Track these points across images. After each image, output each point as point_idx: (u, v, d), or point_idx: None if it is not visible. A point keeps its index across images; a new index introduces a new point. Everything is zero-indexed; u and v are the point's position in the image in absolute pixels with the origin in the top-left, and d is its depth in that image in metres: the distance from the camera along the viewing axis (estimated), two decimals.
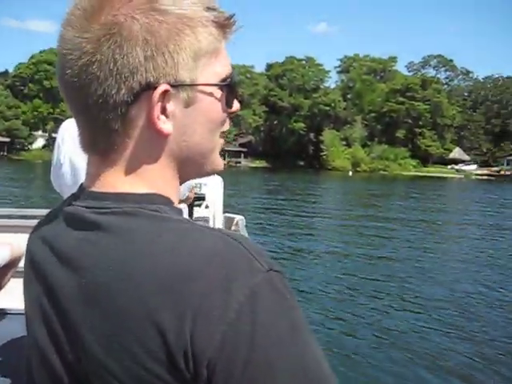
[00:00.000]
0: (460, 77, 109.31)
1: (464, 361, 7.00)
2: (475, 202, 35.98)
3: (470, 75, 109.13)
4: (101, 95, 0.72)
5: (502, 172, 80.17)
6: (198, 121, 0.77)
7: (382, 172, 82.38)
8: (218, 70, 0.78)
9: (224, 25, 0.78)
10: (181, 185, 0.84)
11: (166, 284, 0.66)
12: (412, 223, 21.70)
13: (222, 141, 0.84)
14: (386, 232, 18.65)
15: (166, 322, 0.64)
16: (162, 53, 0.72)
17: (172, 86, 0.73)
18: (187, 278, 0.65)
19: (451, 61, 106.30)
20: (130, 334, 0.66)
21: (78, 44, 0.72)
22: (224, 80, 0.79)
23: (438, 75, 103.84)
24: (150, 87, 0.72)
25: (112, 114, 0.73)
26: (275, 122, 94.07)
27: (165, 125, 0.74)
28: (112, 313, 0.68)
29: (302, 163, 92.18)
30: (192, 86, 0.75)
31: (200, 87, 0.76)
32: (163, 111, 0.74)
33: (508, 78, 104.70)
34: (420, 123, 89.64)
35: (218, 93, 0.78)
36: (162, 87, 0.72)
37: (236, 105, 0.83)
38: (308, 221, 21.31)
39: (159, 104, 0.73)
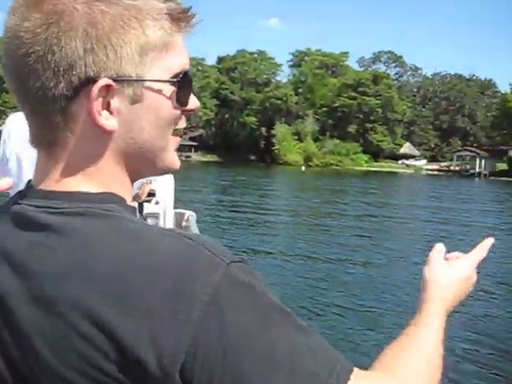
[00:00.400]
0: (409, 73, 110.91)
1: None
2: (430, 197, 36.32)
3: (419, 72, 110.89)
4: (39, 88, 0.70)
5: (452, 167, 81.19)
6: (146, 118, 0.74)
7: (334, 167, 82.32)
8: (170, 64, 0.75)
9: (179, 18, 0.75)
10: (133, 183, 0.82)
11: (123, 288, 0.63)
12: (365, 218, 21.81)
13: (176, 139, 0.81)
14: (338, 227, 18.69)
15: (123, 327, 0.62)
16: (103, 46, 0.69)
17: (115, 81, 0.70)
18: (146, 281, 0.63)
19: (401, 57, 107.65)
20: (84, 339, 0.63)
21: (17, 33, 0.69)
22: (176, 76, 0.75)
23: (388, 71, 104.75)
24: (90, 82, 0.70)
25: (52, 107, 0.71)
26: (226, 116, 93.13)
27: (108, 121, 0.72)
28: (64, 318, 0.65)
29: (253, 157, 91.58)
30: (138, 81, 0.72)
31: (147, 83, 0.73)
32: (107, 107, 0.72)
33: (455, 75, 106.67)
34: (371, 118, 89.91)
35: (168, 89, 0.75)
36: (102, 82, 0.70)
37: (194, 102, 0.81)
38: (260, 216, 21.04)
39: (100, 99, 0.70)
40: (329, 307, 9.20)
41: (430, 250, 1.04)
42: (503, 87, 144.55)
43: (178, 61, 0.76)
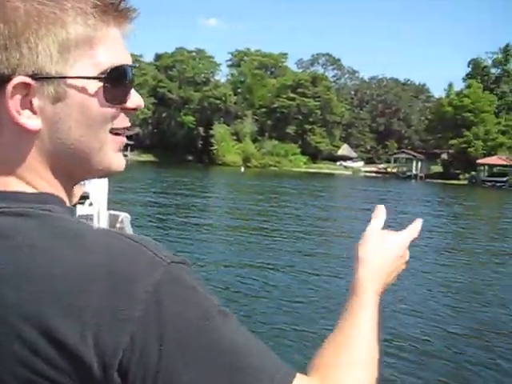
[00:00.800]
0: (347, 76, 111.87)
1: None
2: (369, 198, 36.52)
3: (356, 75, 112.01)
4: None
5: (389, 169, 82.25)
6: (73, 117, 0.71)
7: (273, 168, 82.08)
8: (99, 60, 0.71)
9: (107, 11, 0.71)
10: (75, 185, 0.79)
11: (64, 288, 0.62)
12: (304, 220, 21.99)
13: (117, 138, 0.77)
14: (277, 229, 18.69)
15: (65, 329, 0.60)
16: (17, 43, 0.66)
17: (34, 79, 0.68)
18: (86, 281, 0.62)
19: (339, 60, 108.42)
20: (25, 343, 0.61)
21: None
22: (105, 72, 0.72)
23: (326, 73, 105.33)
24: (5, 80, 0.67)
25: None
26: (164, 115, 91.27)
27: (30, 120, 0.69)
28: (4, 322, 0.62)
29: (190, 158, 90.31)
30: (58, 79, 0.69)
31: (70, 81, 0.70)
32: (30, 106, 0.69)
33: (391, 79, 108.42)
34: (310, 120, 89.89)
35: (95, 86, 0.71)
36: (17, 80, 0.67)
37: (134, 101, 0.77)
38: (198, 218, 20.81)
39: (18, 98, 0.68)
40: (262, 310, 9.17)
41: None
42: (436, 92, 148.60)
43: (107, 56, 0.72)
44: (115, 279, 0.62)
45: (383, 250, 0.99)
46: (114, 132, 0.76)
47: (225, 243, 15.62)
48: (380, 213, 1.06)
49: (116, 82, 0.72)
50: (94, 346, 0.60)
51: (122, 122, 0.77)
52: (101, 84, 0.71)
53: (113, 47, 0.73)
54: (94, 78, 0.71)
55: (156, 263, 0.64)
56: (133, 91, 0.77)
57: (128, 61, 0.75)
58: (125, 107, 0.76)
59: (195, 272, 0.66)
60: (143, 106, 0.79)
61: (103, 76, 0.71)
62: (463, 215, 29.98)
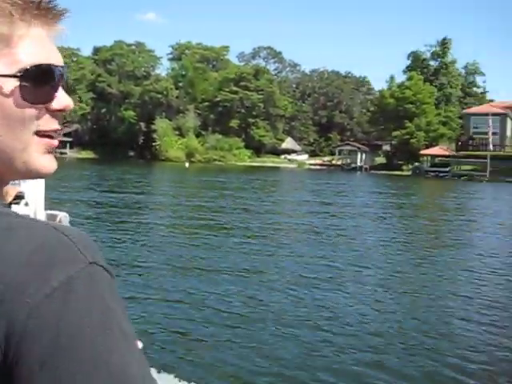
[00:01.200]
0: (288, 69, 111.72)
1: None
2: (315, 190, 36.99)
3: (298, 68, 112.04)
4: None
5: (334, 162, 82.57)
6: None
7: (217, 162, 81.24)
8: (17, 59, 0.69)
9: (27, 9, 0.69)
10: (5, 186, 0.78)
11: None
12: (252, 214, 21.80)
13: (43, 140, 0.74)
14: (224, 225, 18.51)
15: None
16: None
17: None
18: (6, 267, 0.61)
19: (280, 53, 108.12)
20: None
21: None
22: (22, 70, 0.69)
23: (268, 66, 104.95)
24: None
25: None
26: (103, 110, 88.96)
27: None
28: None
29: (132, 154, 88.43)
30: None
31: None
32: None
33: (332, 72, 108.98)
34: (253, 113, 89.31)
35: (11, 85, 0.69)
36: None
37: (60, 102, 0.74)
38: (141, 216, 20.20)
39: None
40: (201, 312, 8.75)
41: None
42: (376, 85, 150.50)
43: (27, 56, 0.70)
44: (34, 266, 0.62)
45: None
46: (41, 134, 0.74)
47: (172, 242, 14.90)
48: None
49: (37, 81, 0.70)
50: (4, 328, 0.59)
51: (49, 123, 0.75)
52: (18, 83, 0.69)
53: (35, 46, 0.71)
54: (9, 76, 0.69)
55: (77, 259, 0.64)
56: (60, 91, 0.74)
57: (56, 61, 0.73)
58: (50, 108, 0.73)
59: (118, 287, 0.65)
60: (72, 106, 0.76)
61: (20, 74, 0.69)
62: (408, 205, 30.47)
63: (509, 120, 77.19)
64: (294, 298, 9.75)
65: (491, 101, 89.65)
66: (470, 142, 74.85)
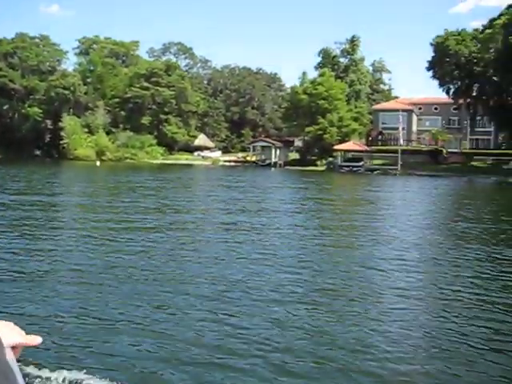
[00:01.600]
0: (199, 65, 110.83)
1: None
2: (229, 187, 36.74)
3: (209, 64, 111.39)
4: None
5: (249, 158, 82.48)
6: None
7: (129, 160, 79.16)
8: None
9: None
10: None
11: None
12: (163, 212, 21.60)
13: None
14: (135, 224, 18.15)
15: None
16: None
17: None
18: None
19: (191, 49, 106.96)
20: None
21: None
22: None
23: (179, 62, 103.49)
24: None
25: None
26: (6, 107, 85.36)
27: None
28: None
29: (38, 153, 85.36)
30: None
31: None
32: None
33: (244, 68, 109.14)
34: (165, 109, 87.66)
35: None
36: None
37: None
38: (50, 218, 19.33)
39: None
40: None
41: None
42: (287, 82, 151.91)
43: None
44: None
45: None
46: None
47: (86, 244, 14.19)
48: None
49: None
50: None
51: None
52: None
53: None
54: None
55: None
56: None
57: None
58: None
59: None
60: None
61: None
62: (325, 199, 30.87)
63: (414, 116, 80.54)
64: (199, 296, 9.61)
65: (396, 97, 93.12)
66: (380, 136, 77.51)
